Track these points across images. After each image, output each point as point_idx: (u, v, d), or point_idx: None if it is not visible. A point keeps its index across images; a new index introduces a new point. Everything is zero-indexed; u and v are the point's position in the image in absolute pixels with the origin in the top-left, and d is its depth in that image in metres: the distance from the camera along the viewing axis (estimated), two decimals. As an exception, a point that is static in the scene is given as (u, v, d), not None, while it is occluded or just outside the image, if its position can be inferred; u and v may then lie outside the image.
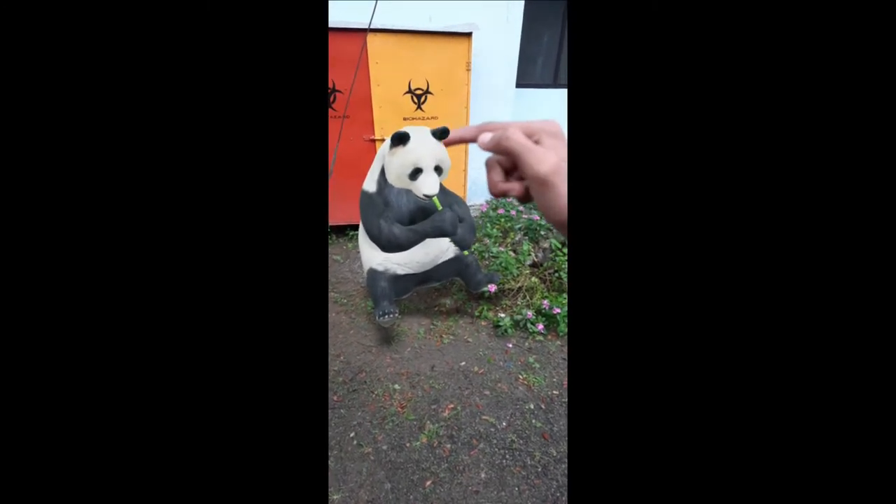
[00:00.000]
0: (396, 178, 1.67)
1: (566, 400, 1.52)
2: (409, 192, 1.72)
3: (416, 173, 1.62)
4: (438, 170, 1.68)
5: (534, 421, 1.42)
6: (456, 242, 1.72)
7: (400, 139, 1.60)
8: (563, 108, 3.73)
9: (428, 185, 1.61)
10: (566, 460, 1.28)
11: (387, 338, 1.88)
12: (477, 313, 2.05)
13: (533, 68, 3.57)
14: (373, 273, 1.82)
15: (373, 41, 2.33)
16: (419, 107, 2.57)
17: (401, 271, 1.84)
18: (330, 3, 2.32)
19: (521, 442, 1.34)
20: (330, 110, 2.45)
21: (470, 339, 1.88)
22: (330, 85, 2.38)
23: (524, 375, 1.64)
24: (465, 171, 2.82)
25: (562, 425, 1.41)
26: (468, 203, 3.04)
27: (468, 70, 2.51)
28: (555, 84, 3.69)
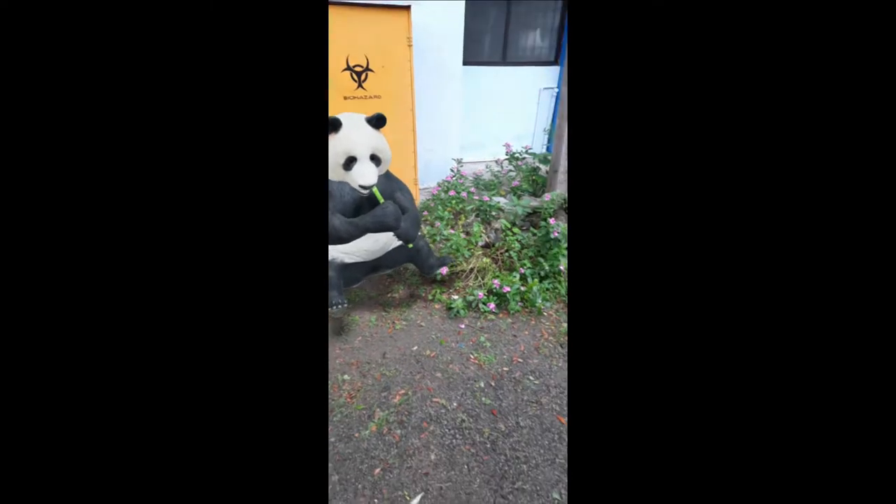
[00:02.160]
0: (331, 170, 1.58)
1: (515, 375, 1.56)
2: (345, 183, 1.64)
3: (349, 163, 1.54)
4: (376, 159, 1.60)
5: (483, 398, 1.45)
6: (399, 236, 1.67)
7: (331, 126, 1.50)
8: (514, 86, 3.71)
9: (363, 176, 1.54)
10: (514, 434, 1.32)
11: (336, 328, 1.82)
12: (430, 297, 2.04)
13: (479, 46, 3.50)
14: None
15: (304, 13, 2.16)
16: (360, 85, 2.44)
17: (349, 260, 1.77)
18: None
19: (471, 420, 1.36)
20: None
21: (423, 324, 1.87)
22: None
23: (475, 355, 1.66)
24: (415, 152, 2.74)
25: (510, 400, 1.44)
26: (420, 186, 2.98)
27: (409, 46, 2.40)
28: (504, 62, 3.65)
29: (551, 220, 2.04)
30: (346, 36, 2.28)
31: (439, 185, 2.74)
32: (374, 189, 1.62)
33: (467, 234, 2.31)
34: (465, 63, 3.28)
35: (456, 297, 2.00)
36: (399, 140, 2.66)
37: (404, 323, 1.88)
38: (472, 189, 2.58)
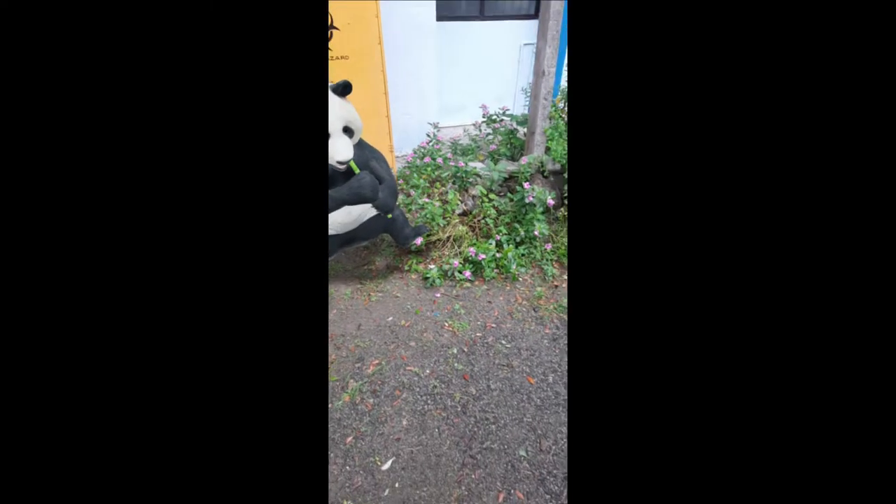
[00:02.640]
0: None
1: (488, 340, 1.59)
2: None
3: None
4: (348, 131, 1.52)
5: (456, 364, 1.48)
6: (377, 207, 1.62)
7: None
8: (491, 42, 3.52)
9: (339, 151, 1.46)
10: (484, 397, 1.36)
11: (311, 302, 1.81)
12: (407, 268, 2.03)
13: (456, 4, 3.27)
14: None
15: (256, -36, 1.97)
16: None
17: (319, 232, 1.73)
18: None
19: (443, 386, 1.39)
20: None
21: (399, 294, 1.87)
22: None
23: (450, 322, 1.68)
24: (388, 116, 2.62)
25: (482, 364, 1.48)
26: (396, 153, 2.88)
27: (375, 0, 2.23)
28: (481, 16, 3.43)
29: (526, 185, 2.00)
30: (304, -11, 2.10)
31: (415, 151, 2.65)
32: (352, 163, 1.55)
33: (443, 202, 2.27)
34: (440, 19, 3.07)
35: (432, 266, 1.99)
36: (370, 105, 2.53)
37: (380, 294, 1.87)
38: (449, 155, 2.51)
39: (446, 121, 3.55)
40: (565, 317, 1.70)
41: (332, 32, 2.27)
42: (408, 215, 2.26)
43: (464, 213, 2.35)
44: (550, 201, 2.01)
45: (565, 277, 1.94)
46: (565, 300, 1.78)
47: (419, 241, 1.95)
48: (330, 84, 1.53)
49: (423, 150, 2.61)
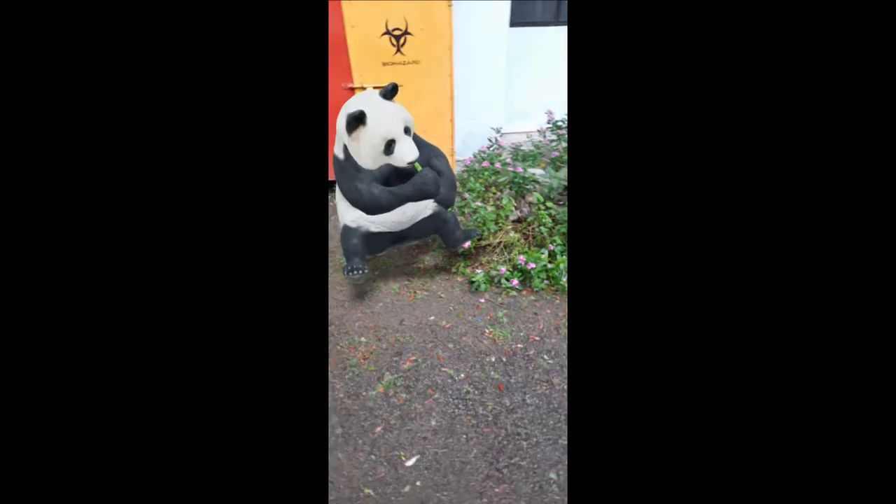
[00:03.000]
0: (371, 160, 1.57)
1: (530, 352, 1.52)
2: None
3: (390, 146, 1.53)
4: (408, 131, 1.58)
5: (492, 373, 1.44)
6: (439, 202, 1.66)
7: (357, 120, 1.48)
8: (564, 47, 3.41)
9: (407, 153, 1.53)
10: (518, 410, 1.30)
11: (360, 293, 1.89)
12: (454, 270, 2.03)
13: (531, 7, 3.23)
14: (346, 230, 1.79)
15: (343, -25, 2.13)
16: (398, 50, 2.38)
17: (374, 229, 1.80)
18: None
19: (477, 392, 1.36)
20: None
21: (443, 295, 1.88)
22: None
23: (490, 329, 1.64)
24: (452, 121, 2.66)
25: (520, 377, 1.42)
26: (458, 157, 2.91)
27: (449, 4, 2.28)
28: (556, 21, 3.35)
29: None
30: (384, -2, 2.22)
31: (474, 156, 2.65)
32: (416, 164, 1.61)
33: (497, 207, 2.23)
34: (514, 24, 3.06)
35: (479, 271, 1.97)
36: (435, 109, 2.59)
37: (426, 293, 1.89)
38: (509, 160, 2.47)
39: (513, 126, 3.51)
40: (617, 339, 1.57)
41: (406, 38, 2.37)
42: (460, 218, 2.26)
43: (518, 220, 2.29)
44: None
45: (622, 297, 1.80)
46: (619, 321, 1.65)
47: (467, 244, 1.94)
48: (378, 92, 1.59)
49: (482, 155, 2.60)
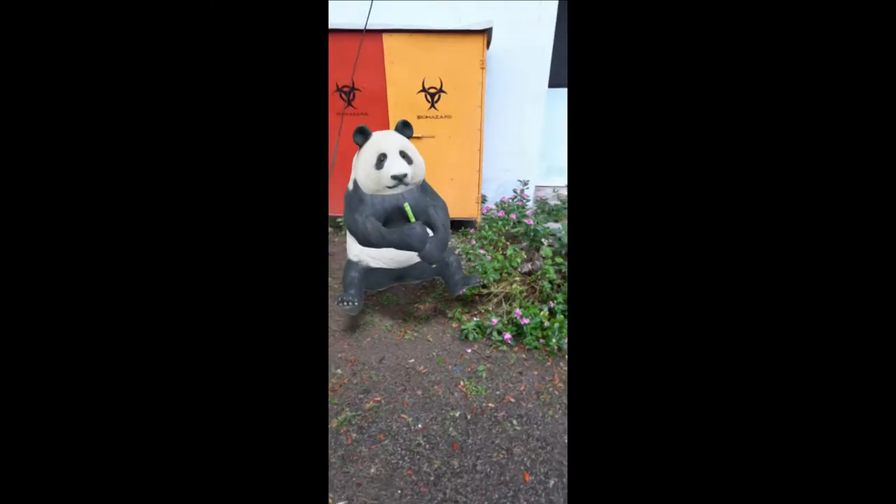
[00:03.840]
0: (366, 176, 1.69)
1: (499, 414, 1.42)
2: (382, 197, 1.71)
3: (381, 160, 1.64)
4: (405, 157, 1.67)
5: (451, 429, 1.35)
6: (422, 257, 1.70)
7: (361, 132, 1.64)
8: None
9: (394, 166, 1.62)
10: (465, 475, 1.19)
11: (353, 325, 1.94)
12: (451, 315, 2.01)
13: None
14: (348, 262, 1.89)
15: (389, 41, 2.42)
16: (433, 105, 2.59)
17: (374, 264, 1.87)
18: (347, 3, 2.47)
19: (428, 447, 1.28)
20: (350, 108, 2.61)
21: (431, 339, 1.85)
22: (349, 84, 2.54)
23: (466, 382, 1.56)
24: (480, 171, 2.75)
25: (479, 439, 1.31)
26: (484, 206, 2.96)
27: (483, 68, 2.46)
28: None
29: None
30: (424, 60, 2.46)
31: (495, 205, 2.69)
32: (407, 207, 1.69)
33: (505, 257, 2.20)
34: (552, 85, 3.17)
35: (476, 319, 1.92)
36: (465, 159, 2.71)
37: (415, 335, 1.88)
38: (529, 212, 2.46)
39: (553, 181, 3.51)
40: (602, 416, 1.40)
41: (440, 95, 2.57)
42: (467, 263, 2.26)
43: (528, 273, 2.23)
44: None
45: (623, 370, 1.62)
46: (610, 396, 1.48)
47: (463, 290, 1.92)
48: (396, 123, 1.74)
49: (503, 205, 2.63)
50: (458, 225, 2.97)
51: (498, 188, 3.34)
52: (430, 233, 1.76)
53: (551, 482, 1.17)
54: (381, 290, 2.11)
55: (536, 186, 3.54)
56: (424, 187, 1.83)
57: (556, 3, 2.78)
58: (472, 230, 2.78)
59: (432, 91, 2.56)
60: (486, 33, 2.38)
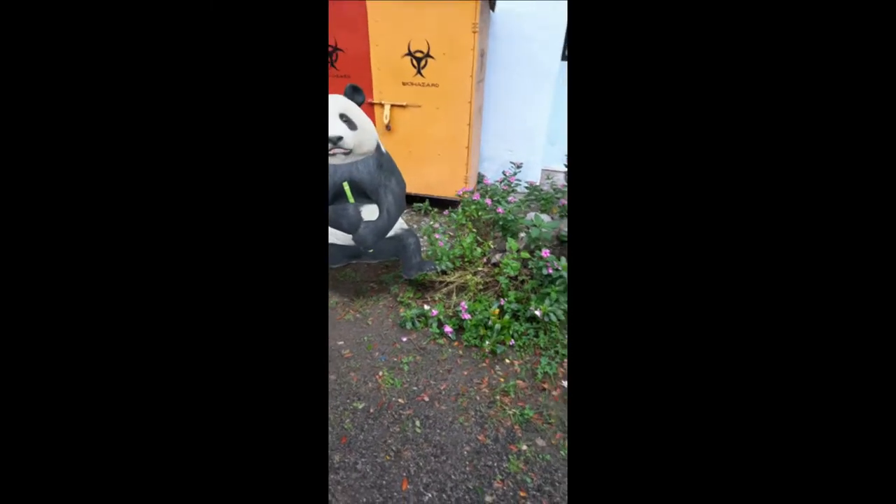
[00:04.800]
0: None
1: (405, 412, 1.33)
2: (334, 167, 1.61)
3: None
4: (347, 121, 1.52)
5: (347, 421, 1.29)
6: (355, 241, 1.61)
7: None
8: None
9: (329, 128, 1.50)
10: (340, 472, 1.13)
11: (298, 298, 1.90)
12: (400, 299, 1.91)
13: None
14: None
15: (375, -2, 2.23)
16: (419, 71, 2.39)
17: (330, 239, 1.80)
18: (330, -44, 2.28)
19: (316, 437, 1.23)
20: (332, 69, 2.48)
21: (371, 323, 1.77)
22: (332, 44, 2.39)
23: (385, 374, 1.48)
24: (468, 148, 2.55)
25: (373, 436, 1.24)
26: (469, 186, 2.77)
27: (475, 32, 2.21)
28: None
29: (545, 252, 1.61)
30: (410, 21, 2.25)
31: (479, 187, 2.50)
32: (346, 185, 1.58)
33: (479, 244, 2.05)
34: (564, 58, 2.83)
35: (426, 307, 1.82)
36: (451, 133, 2.52)
37: (357, 315, 1.82)
38: (511, 199, 2.26)
39: (558, 165, 3.23)
40: (517, 429, 1.28)
41: (427, 61, 2.36)
42: (427, 246, 2.13)
43: (496, 265, 2.07)
44: None
45: (564, 384, 1.47)
46: (531, 410, 1.34)
47: (415, 275, 1.81)
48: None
49: (486, 188, 2.43)
50: (446, 205, 2.81)
51: (498, 169, 3.12)
52: (373, 216, 1.65)
53: (427, 496, 1.08)
54: (337, 266, 2.05)
55: (544, 170, 3.28)
56: (382, 162, 1.70)
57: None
58: (449, 212, 2.62)
59: (419, 55, 2.35)
60: (480, -8, 2.12)
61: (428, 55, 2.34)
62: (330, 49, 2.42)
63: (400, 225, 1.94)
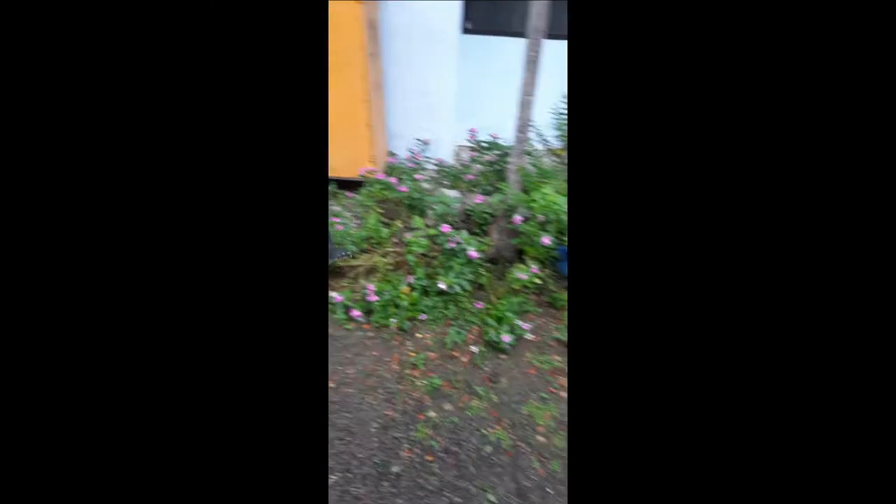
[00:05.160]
0: None
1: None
2: None
3: None
4: None
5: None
6: None
7: None
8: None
9: None
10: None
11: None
12: (308, 288, 1.83)
13: (489, 13, 2.98)
14: None
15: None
16: (308, 46, 2.22)
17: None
18: None
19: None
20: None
21: (275, 316, 1.68)
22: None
23: (289, 367, 1.42)
24: (369, 125, 2.45)
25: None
26: (375, 166, 2.70)
27: (359, 4, 2.10)
28: (512, 32, 3.07)
29: (444, 227, 1.64)
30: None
31: (385, 168, 2.45)
32: None
33: (387, 226, 2.02)
34: (467, 31, 2.83)
35: (336, 294, 1.76)
36: (348, 112, 2.40)
37: (260, 311, 1.71)
38: (418, 177, 2.24)
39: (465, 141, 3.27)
40: (426, 399, 1.32)
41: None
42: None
43: (406, 244, 2.07)
44: (473, 253, 1.62)
45: (472, 349, 1.54)
46: (440, 378, 1.39)
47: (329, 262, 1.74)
48: None
49: (391, 167, 2.39)
50: (353, 186, 2.72)
51: (408, 146, 3.07)
52: None
53: (332, 479, 1.08)
54: None
55: (458, 146, 3.30)
56: None
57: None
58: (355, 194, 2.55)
59: (305, 28, 2.18)
60: (359, -43, 2.00)
61: (313, 27, 2.18)
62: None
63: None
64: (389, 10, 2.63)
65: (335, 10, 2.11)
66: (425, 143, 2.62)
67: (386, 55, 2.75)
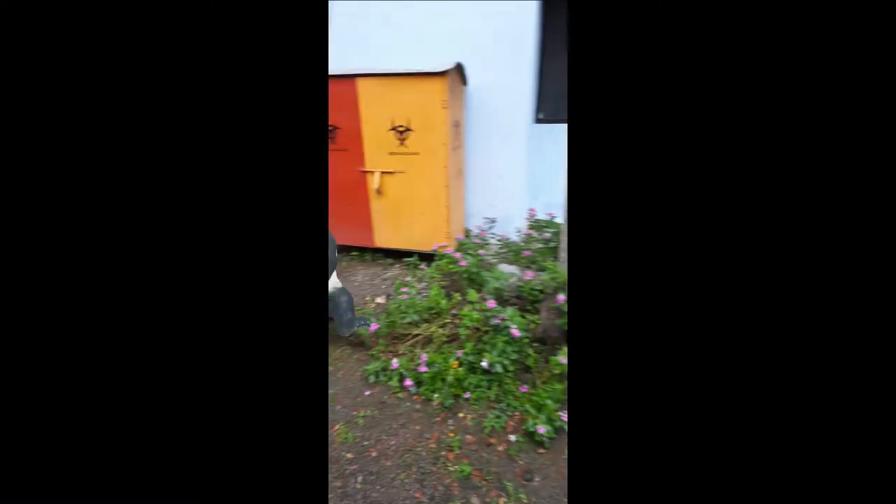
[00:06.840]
0: None
1: (349, 468, 1.40)
2: None
3: None
4: None
5: (294, 474, 1.37)
6: None
7: None
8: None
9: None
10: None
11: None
12: (372, 352, 2.03)
13: (555, 104, 3.22)
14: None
15: (362, 84, 2.59)
16: (402, 142, 2.68)
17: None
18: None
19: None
20: (331, 144, 2.82)
21: (340, 376, 1.89)
22: (331, 124, 2.75)
23: (341, 427, 1.57)
24: (448, 206, 2.75)
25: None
26: (447, 241, 2.94)
27: (444, 108, 2.50)
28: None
29: (490, 303, 1.70)
30: (393, 100, 2.58)
31: (457, 245, 2.66)
32: None
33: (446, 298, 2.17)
34: (539, 121, 3.07)
35: (395, 360, 1.92)
36: (432, 194, 2.75)
37: (330, 368, 1.94)
38: (481, 252, 2.40)
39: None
40: (455, 487, 1.31)
41: (408, 133, 2.66)
42: (396, 298, 2.26)
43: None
44: (515, 331, 1.64)
45: (510, 438, 1.50)
46: (472, 466, 1.38)
47: (348, 332, 1.94)
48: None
49: (460, 243, 2.59)
50: (431, 259, 2.98)
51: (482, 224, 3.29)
52: None
53: (352, 551, 1.13)
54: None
55: (525, 224, 3.42)
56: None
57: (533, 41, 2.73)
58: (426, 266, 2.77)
59: (401, 129, 2.65)
60: (447, 74, 2.42)
61: (408, 129, 2.64)
62: (330, 128, 2.78)
63: (333, 283, 2.09)
64: (471, 110, 3.03)
65: (428, 116, 2.55)
66: (492, 220, 2.79)
67: (468, 147, 3.13)
